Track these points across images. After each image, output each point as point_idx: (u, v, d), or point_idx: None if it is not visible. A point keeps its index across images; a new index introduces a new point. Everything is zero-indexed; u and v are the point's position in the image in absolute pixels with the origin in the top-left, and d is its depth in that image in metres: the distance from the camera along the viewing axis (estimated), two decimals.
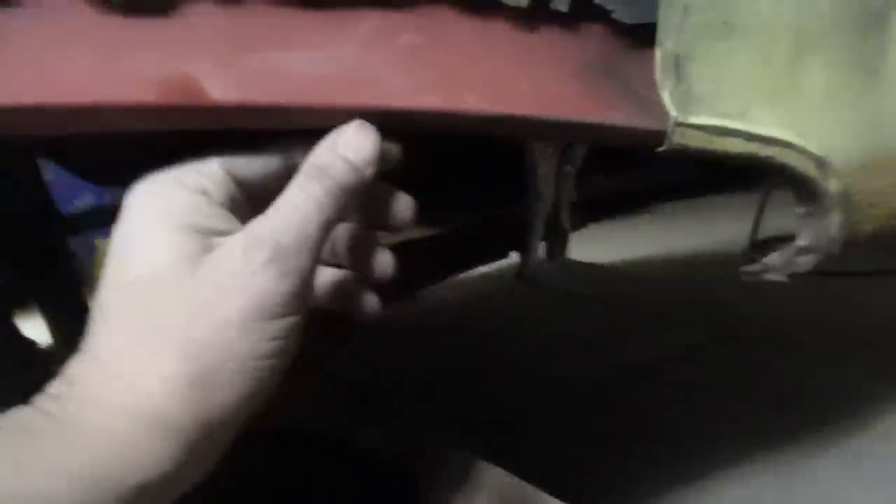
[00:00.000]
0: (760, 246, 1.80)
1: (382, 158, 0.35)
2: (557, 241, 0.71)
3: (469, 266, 0.89)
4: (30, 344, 0.73)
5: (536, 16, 0.36)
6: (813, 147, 0.45)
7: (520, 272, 0.70)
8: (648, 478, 0.91)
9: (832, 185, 0.47)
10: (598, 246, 1.94)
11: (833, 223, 0.49)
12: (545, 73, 0.37)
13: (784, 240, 0.47)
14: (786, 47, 0.44)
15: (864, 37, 0.47)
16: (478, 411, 1.14)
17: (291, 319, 0.32)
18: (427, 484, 0.65)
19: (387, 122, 0.34)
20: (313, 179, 0.33)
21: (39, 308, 0.80)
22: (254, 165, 0.34)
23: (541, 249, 0.69)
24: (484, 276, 1.15)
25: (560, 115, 0.37)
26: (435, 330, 1.36)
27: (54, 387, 0.31)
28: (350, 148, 0.33)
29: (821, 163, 0.46)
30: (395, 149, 0.37)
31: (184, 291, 0.31)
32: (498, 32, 0.36)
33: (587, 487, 0.91)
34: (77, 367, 0.31)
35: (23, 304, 0.83)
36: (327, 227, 0.33)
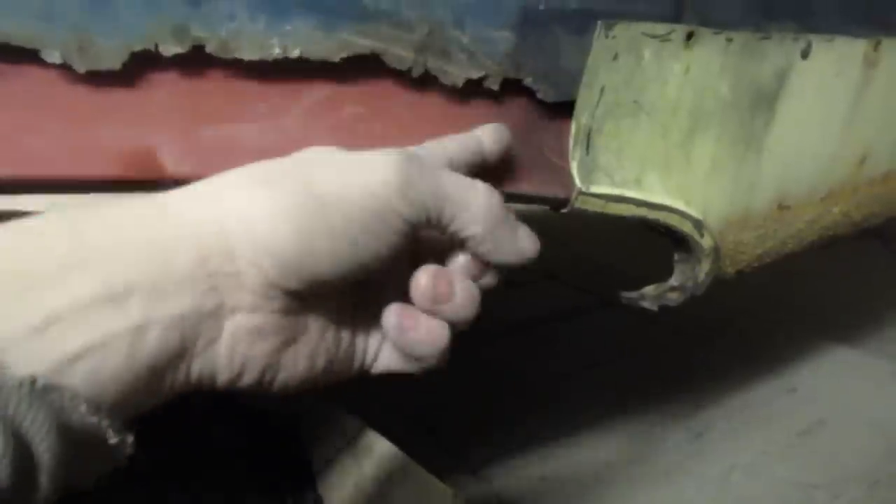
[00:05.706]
0: None
1: None
2: None
3: None
4: None
5: (469, 91, 0.40)
6: (694, 211, 0.52)
7: None
8: (511, 431, 1.01)
9: (706, 242, 0.54)
10: None
11: (702, 271, 0.56)
12: None
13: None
14: (683, 125, 0.49)
15: (753, 115, 0.54)
16: None
17: (407, 227, 0.31)
18: (316, 446, 0.70)
19: None
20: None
21: None
22: None
23: None
24: None
25: None
26: None
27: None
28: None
29: (698, 224, 0.52)
30: None
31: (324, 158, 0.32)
32: (432, 105, 0.40)
33: (451, 434, 1.00)
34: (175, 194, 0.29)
35: None
36: (451, 163, 0.36)
